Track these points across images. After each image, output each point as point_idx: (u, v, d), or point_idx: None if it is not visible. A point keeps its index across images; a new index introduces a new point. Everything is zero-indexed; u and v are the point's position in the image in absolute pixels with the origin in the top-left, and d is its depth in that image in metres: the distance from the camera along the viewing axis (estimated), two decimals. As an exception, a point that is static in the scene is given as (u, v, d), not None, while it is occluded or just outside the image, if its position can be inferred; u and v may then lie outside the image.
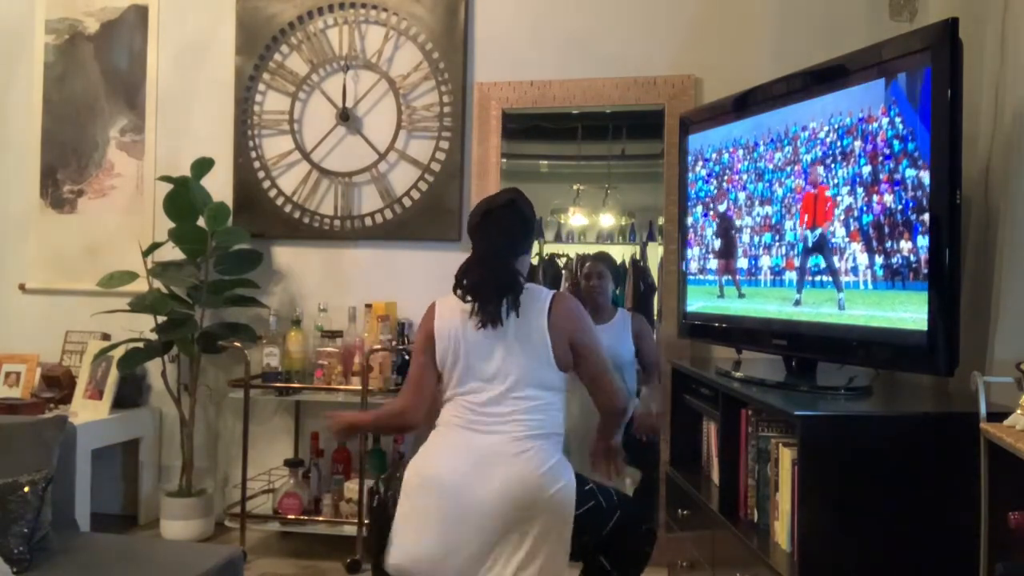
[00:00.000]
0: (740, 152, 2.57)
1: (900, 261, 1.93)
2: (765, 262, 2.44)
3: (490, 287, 2.08)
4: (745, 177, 2.54)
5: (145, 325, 3.45)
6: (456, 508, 1.98)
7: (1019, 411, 1.45)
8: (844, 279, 2.11)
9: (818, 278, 2.21)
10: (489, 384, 2.07)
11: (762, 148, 2.45)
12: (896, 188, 1.94)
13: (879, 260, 1.99)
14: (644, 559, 2.24)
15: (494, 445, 2.02)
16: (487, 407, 2.06)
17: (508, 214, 2.20)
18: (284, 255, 3.68)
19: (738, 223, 2.57)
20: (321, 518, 3.28)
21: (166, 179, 3.41)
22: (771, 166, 2.42)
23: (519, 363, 2.06)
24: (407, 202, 3.55)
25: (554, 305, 2.10)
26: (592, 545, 2.15)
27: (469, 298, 2.10)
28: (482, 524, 1.97)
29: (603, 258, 3.17)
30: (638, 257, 3.44)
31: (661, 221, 3.33)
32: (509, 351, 2.06)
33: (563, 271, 3.28)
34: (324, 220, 3.62)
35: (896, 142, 1.95)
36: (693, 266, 2.86)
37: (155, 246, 3.46)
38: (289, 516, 3.27)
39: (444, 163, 3.50)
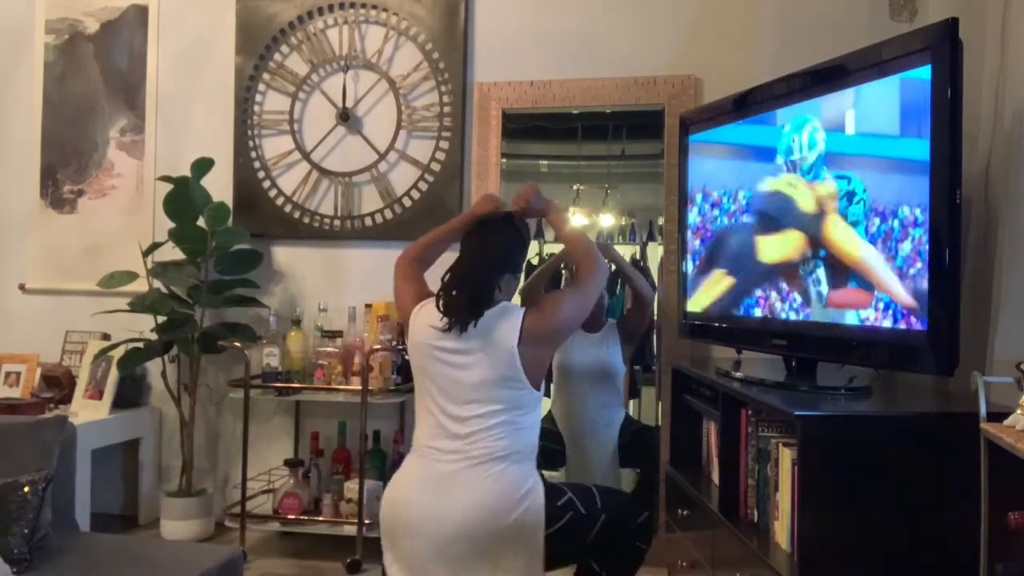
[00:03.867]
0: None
1: (901, 261, 1.93)
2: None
3: (463, 303, 2.02)
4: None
5: (145, 325, 3.45)
6: (423, 545, 1.96)
7: (1019, 411, 1.44)
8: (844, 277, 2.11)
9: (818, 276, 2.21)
10: (452, 402, 2.02)
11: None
12: (896, 188, 1.94)
13: (880, 260, 1.99)
14: (638, 556, 2.22)
15: (455, 472, 1.97)
16: (450, 427, 2.01)
17: (504, 228, 2.16)
18: (284, 255, 3.68)
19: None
20: (321, 518, 3.28)
21: (166, 179, 3.41)
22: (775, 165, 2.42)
23: (483, 383, 2.00)
24: (407, 202, 3.55)
25: (526, 321, 2.01)
26: (581, 552, 2.14)
27: (441, 310, 2.04)
28: (450, 557, 1.95)
29: None
30: (638, 257, 3.44)
31: (661, 221, 3.33)
32: (473, 370, 2.01)
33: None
34: (324, 220, 3.62)
35: (896, 142, 1.95)
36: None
37: (155, 246, 3.46)
38: (289, 516, 3.27)
39: (444, 163, 3.50)
